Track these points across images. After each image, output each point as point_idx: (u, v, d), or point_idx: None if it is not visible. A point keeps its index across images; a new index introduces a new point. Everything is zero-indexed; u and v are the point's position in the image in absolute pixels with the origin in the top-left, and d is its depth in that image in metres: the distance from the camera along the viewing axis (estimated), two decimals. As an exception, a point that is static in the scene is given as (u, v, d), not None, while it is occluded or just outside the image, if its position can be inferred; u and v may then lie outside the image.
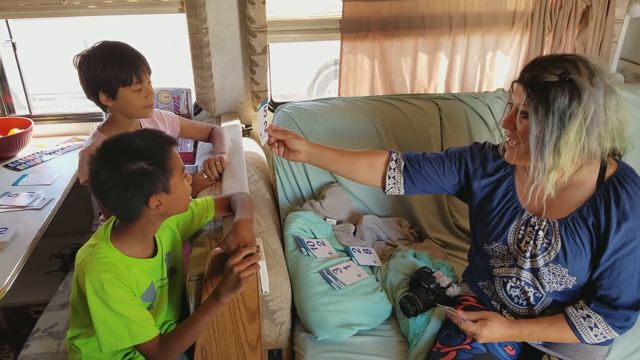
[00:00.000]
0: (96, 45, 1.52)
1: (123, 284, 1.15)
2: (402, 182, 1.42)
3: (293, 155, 1.37)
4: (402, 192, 1.43)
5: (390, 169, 1.42)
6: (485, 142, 1.43)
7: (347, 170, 1.43)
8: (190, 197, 1.26)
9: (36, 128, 2.18)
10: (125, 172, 1.09)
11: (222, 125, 2.13)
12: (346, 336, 1.47)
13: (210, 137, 1.86)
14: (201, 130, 1.89)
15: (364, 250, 1.76)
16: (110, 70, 1.48)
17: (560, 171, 1.19)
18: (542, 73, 1.14)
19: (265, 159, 2.22)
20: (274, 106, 2.31)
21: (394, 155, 1.43)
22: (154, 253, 1.27)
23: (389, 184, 1.42)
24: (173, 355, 1.20)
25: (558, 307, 1.30)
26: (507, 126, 1.24)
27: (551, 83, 1.12)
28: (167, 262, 1.32)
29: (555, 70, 1.13)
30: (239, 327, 1.30)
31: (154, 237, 1.28)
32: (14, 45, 2.24)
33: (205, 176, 1.67)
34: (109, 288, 1.12)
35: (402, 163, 1.42)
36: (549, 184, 1.19)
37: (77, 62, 1.52)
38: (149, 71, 1.56)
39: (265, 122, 1.31)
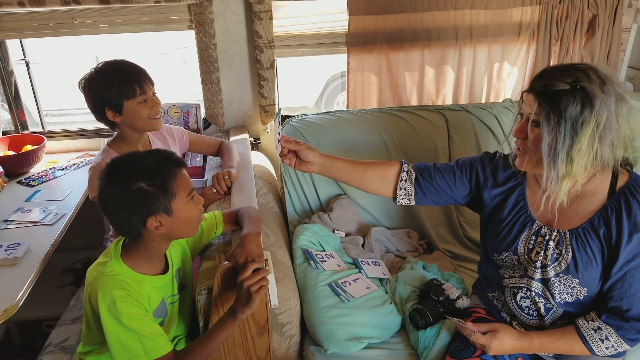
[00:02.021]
0: (97, 66, 1.56)
1: (135, 300, 1.15)
2: (413, 193, 1.42)
3: (305, 166, 1.37)
4: (413, 202, 1.44)
5: (402, 180, 1.42)
6: (496, 152, 1.43)
7: (359, 181, 1.43)
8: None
9: (49, 144, 2.22)
10: (125, 191, 1.11)
11: (231, 139, 2.15)
12: (355, 349, 1.47)
13: (219, 151, 1.89)
14: (210, 144, 1.91)
15: (372, 262, 1.75)
16: (112, 86, 1.52)
17: (573, 179, 1.18)
18: (553, 82, 1.14)
19: (274, 172, 2.23)
20: (282, 120, 2.33)
21: (405, 167, 1.43)
22: (165, 270, 1.28)
23: (400, 195, 1.43)
24: None
25: (569, 318, 1.29)
26: (518, 136, 1.23)
27: (562, 91, 1.13)
28: (177, 278, 1.33)
29: (566, 78, 1.13)
30: (248, 341, 1.30)
31: (165, 254, 1.29)
32: (27, 64, 2.29)
33: (214, 190, 1.68)
34: (122, 305, 1.12)
35: (414, 174, 1.42)
36: (561, 192, 1.19)
37: (82, 85, 1.56)
38: (151, 82, 1.59)
39: (279, 132, 1.33)
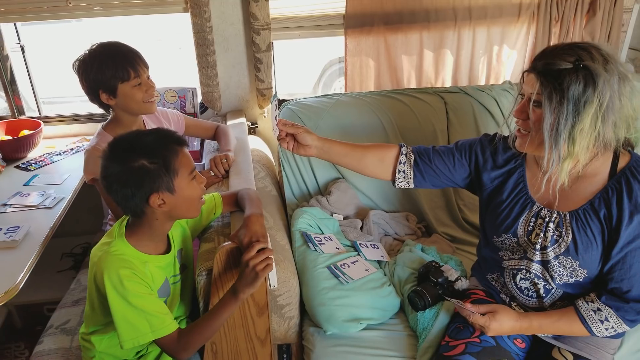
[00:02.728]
0: (91, 47, 1.54)
1: (141, 279, 1.16)
2: (412, 176, 1.42)
3: (303, 149, 1.37)
4: (412, 185, 1.43)
5: (400, 162, 1.41)
6: (495, 134, 1.42)
7: (357, 164, 1.42)
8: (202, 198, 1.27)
9: (46, 129, 2.21)
10: (128, 168, 1.11)
11: (228, 123, 2.14)
12: (355, 330, 1.48)
13: (216, 135, 1.88)
14: (207, 128, 1.90)
15: (371, 245, 1.76)
16: (106, 68, 1.50)
17: (575, 159, 1.17)
18: (555, 60, 1.13)
19: (272, 156, 2.22)
20: (279, 103, 2.31)
21: (403, 149, 1.43)
22: (167, 250, 1.28)
23: (399, 178, 1.42)
24: (191, 350, 1.21)
25: (568, 299, 1.29)
26: (519, 116, 1.22)
27: (565, 70, 1.11)
28: (179, 258, 1.33)
29: (568, 57, 1.12)
30: (248, 322, 1.31)
31: (167, 235, 1.29)
32: (22, 48, 2.27)
33: (212, 174, 1.68)
34: (128, 284, 1.13)
35: (412, 157, 1.42)
36: (563, 172, 1.18)
37: (76, 67, 1.55)
38: (146, 66, 1.58)
39: (276, 115, 1.32)
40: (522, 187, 1.33)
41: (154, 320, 1.16)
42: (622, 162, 1.22)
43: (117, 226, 1.23)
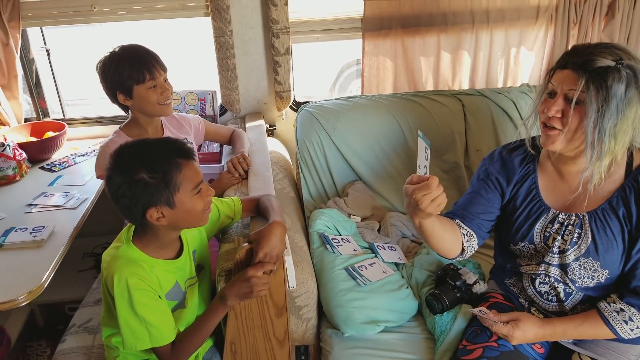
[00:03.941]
0: (113, 49, 1.59)
1: (148, 286, 1.17)
2: (475, 240, 1.37)
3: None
4: (477, 245, 1.38)
5: (464, 235, 1.36)
6: (494, 150, 1.42)
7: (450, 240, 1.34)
8: (212, 201, 1.26)
9: (69, 131, 2.26)
10: (127, 180, 1.10)
11: (247, 125, 2.17)
12: (372, 332, 1.48)
13: (231, 139, 1.91)
14: (223, 134, 1.94)
15: (388, 247, 1.76)
16: (123, 70, 1.54)
17: (613, 157, 1.18)
18: (597, 57, 1.12)
19: (289, 158, 2.24)
20: (297, 105, 2.33)
21: (462, 229, 1.36)
22: (179, 254, 1.28)
23: (467, 248, 1.37)
24: (184, 357, 1.24)
25: (590, 302, 1.28)
26: (556, 114, 1.18)
27: (608, 68, 1.11)
28: (194, 260, 1.34)
29: (608, 55, 1.12)
30: (267, 322, 1.32)
31: (180, 238, 1.30)
32: (47, 52, 2.33)
33: (231, 175, 1.71)
34: (135, 292, 1.14)
35: (466, 228, 1.36)
36: (602, 170, 1.17)
37: (98, 68, 1.59)
38: (163, 68, 1.60)
39: (426, 157, 1.10)
40: (535, 194, 1.33)
41: (153, 331, 1.18)
42: (638, 159, 1.22)
43: (126, 231, 1.23)
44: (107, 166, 1.14)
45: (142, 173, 1.09)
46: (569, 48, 1.21)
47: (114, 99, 1.62)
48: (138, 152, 1.13)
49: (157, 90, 1.59)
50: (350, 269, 1.58)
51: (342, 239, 1.71)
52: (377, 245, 1.73)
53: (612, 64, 1.11)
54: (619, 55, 1.12)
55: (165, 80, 1.62)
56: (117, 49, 1.59)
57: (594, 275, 1.25)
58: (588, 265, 1.24)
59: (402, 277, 1.64)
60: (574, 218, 1.26)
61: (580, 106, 1.15)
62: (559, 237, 1.27)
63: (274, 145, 2.20)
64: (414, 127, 2.03)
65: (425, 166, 1.09)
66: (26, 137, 2.19)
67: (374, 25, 2.18)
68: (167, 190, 1.11)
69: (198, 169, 1.18)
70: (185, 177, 1.13)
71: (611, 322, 1.22)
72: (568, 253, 1.25)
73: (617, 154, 1.17)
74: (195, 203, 1.16)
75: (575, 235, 1.25)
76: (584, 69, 1.13)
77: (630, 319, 1.20)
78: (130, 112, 1.67)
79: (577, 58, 1.15)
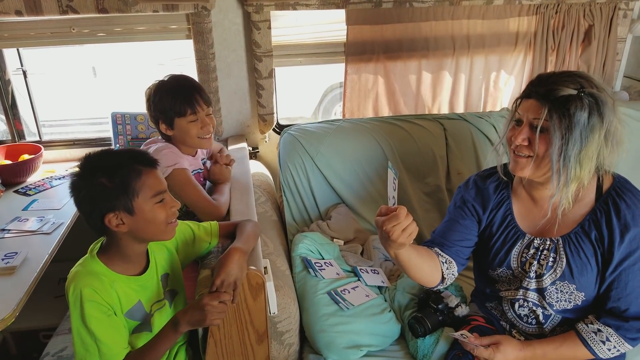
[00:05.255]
0: (163, 78, 1.64)
1: (103, 299, 1.15)
2: (455, 267, 1.37)
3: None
4: (457, 273, 1.38)
5: (443, 263, 1.36)
6: (468, 179, 1.43)
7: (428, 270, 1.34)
8: (177, 221, 1.23)
9: (46, 154, 2.21)
10: (87, 184, 1.13)
11: (229, 148, 2.16)
12: (355, 357, 1.46)
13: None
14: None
15: (371, 270, 1.75)
16: (166, 102, 1.59)
17: (580, 183, 1.20)
18: (559, 87, 1.15)
19: (272, 181, 2.23)
20: (280, 128, 2.33)
21: (440, 257, 1.37)
22: (144, 271, 1.26)
23: (447, 276, 1.37)
24: None
25: (568, 324, 1.29)
26: (522, 142, 1.21)
27: (570, 96, 1.14)
28: (164, 283, 1.31)
29: (570, 84, 1.15)
30: (247, 349, 1.29)
31: (148, 256, 1.28)
32: (24, 73, 2.30)
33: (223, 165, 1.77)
34: (87, 304, 1.13)
35: (445, 256, 1.37)
36: (569, 196, 1.20)
37: (146, 94, 1.64)
38: (206, 103, 1.64)
39: (394, 189, 1.10)
40: (510, 220, 1.35)
41: (103, 348, 1.15)
42: (607, 183, 1.25)
43: (93, 245, 1.24)
44: (73, 173, 1.16)
45: (103, 177, 1.11)
46: (534, 77, 1.24)
47: (157, 127, 1.66)
48: (101, 159, 1.15)
49: (197, 124, 1.62)
50: (333, 293, 1.56)
51: (324, 263, 1.70)
52: (360, 269, 1.72)
53: (574, 92, 1.14)
54: (581, 84, 1.15)
55: (208, 115, 1.65)
56: (165, 78, 1.64)
57: (570, 298, 1.26)
58: (564, 288, 1.25)
59: (385, 301, 1.63)
60: (548, 243, 1.28)
61: (545, 134, 1.17)
62: (535, 262, 1.29)
63: (256, 167, 2.19)
64: (397, 150, 2.05)
65: (393, 197, 1.09)
66: (0, 160, 2.14)
67: (357, 50, 2.20)
68: (125, 195, 1.12)
69: (161, 179, 1.19)
70: (145, 184, 1.14)
71: (589, 342, 1.23)
72: (544, 277, 1.27)
73: (584, 179, 1.19)
74: (156, 212, 1.16)
75: (551, 259, 1.27)
76: (547, 98, 1.16)
77: (608, 339, 1.22)
78: (172, 141, 1.69)
79: (540, 87, 1.18)
